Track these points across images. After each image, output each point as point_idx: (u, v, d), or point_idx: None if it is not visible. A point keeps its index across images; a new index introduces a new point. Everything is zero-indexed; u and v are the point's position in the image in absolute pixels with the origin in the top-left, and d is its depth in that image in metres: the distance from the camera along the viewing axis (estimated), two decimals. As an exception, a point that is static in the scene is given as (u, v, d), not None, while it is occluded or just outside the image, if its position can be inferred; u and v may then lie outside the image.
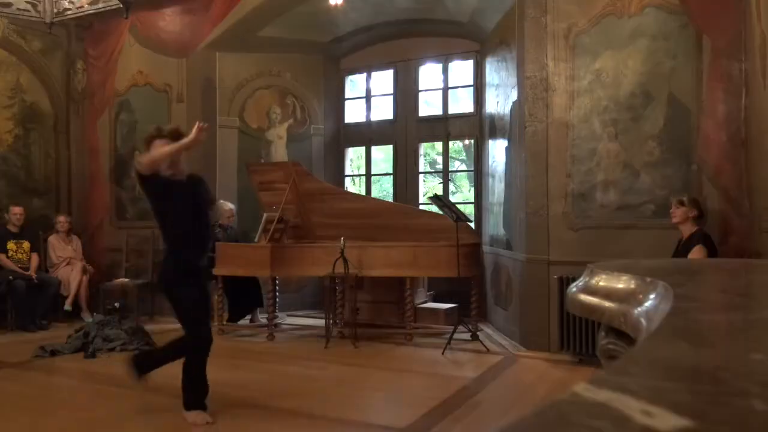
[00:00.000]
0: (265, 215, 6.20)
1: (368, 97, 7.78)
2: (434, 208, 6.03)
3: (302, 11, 6.63)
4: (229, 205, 6.54)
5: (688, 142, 4.53)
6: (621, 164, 4.73)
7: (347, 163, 7.97)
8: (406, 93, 7.41)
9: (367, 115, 7.73)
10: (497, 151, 6.16)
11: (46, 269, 6.85)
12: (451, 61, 7.20)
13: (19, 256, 6.60)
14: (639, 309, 0.88)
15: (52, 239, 6.94)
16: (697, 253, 3.88)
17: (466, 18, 6.46)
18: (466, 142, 7.99)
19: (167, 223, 3.41)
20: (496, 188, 6.17)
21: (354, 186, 8.53)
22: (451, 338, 5.16)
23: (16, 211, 6.67)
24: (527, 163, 5.09)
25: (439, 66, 7.29)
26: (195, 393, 3.48)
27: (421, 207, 7.16)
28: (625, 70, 4.72)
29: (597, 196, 4.82)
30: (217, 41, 6.94)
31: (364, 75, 7.74)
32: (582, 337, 4.69)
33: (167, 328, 6.38)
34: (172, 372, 4.53)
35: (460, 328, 5.26)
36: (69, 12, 7.14)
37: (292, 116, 7.38)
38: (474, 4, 6.11)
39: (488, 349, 5.14)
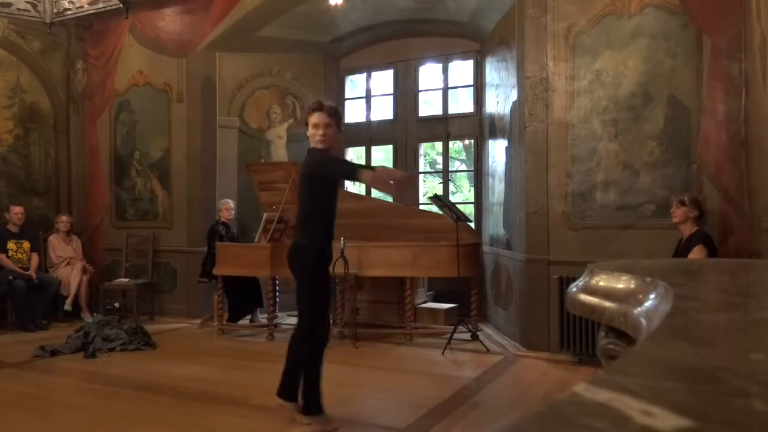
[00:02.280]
0: (265, 215, 6.20)
1: (368, 97, 7.78)
2: (434, 208, 6.03)
3: (302, 11, 6.63)
4: (229, 202, 6.58)
5: (688, 142, 4.53)
6: (621, 164, 4.73)
7: (347, 163, 7.96)
8: (406, 93, 7.41)
9: (367, 115, 7.73)
10: (497, 151, 6.16)
11: (46, 269, 6.85)
12: (451, 61, 7.20)
13: (19, 256, 6.61)
14: (639, 309, 0.88)
15: (52, 239, 6.94)
16: (697, 253, 3.88)
17: (466, 18, 6.46)
18: (466, 142, 7.99)
19: (321, 202, 3.29)
20: (496, 188, 6.18)
21: (354, 186, 8.53)
22: (451, 338, 5.16)
23: (17, 210, 6.67)
24: (527, 163, 5.09)
25: (439, 66, 7.29)
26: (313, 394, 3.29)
27: (421, 207, 7.16)
28: (625, 70, 4.72)
29: (597, 196, 4.82)
30: (217, 41, 6.94)
31: (364, 75, 7.74)
32: (582, 337, 4.69)
33: (167, 328, 6.39)
34: (171, 372, 4.54)
35: (460, 328, 5.26)
36: (69, 12, 7.14)
37: (292, 116, 7.38)
38: (474, 4, 6.11)
39: (488, 349, 5.14)
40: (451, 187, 8.69)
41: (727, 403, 0.39)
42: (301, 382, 3.31)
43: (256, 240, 6.26)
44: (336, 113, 3.28)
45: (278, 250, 5.75)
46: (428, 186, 8.61)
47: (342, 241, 5.18)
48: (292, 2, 6.55)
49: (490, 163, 6.50)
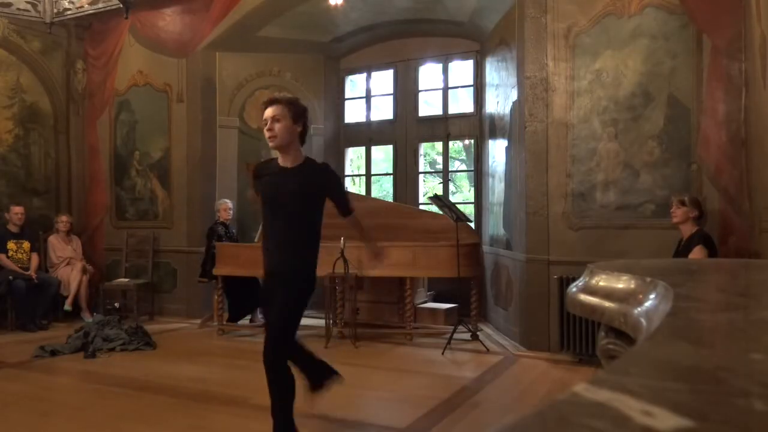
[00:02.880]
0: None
1: (368, 97, 7.78)
2: (434, 208, 6.03)
3: (302, 11, 6.63)
4: (227, 202, 6.58)
5: (688, 142, 4.53)
6: (621, 164, 4.73)
7: (347, 163, 7.97)
8: (406, 93, 7.41)
9: (367, 115, 7.73)
10: (497, 151, 6.16)
11: (46, 269, 6.85)
12: (451, 61, 7.20)
13: (19, 256, 6.61)
14: (639, 309, 0.88)
15: (52, 239, 6.94)
16: (697, 253, 3.88)
17: (466, 18, 6.46)
18: (466, 142, 7.99)
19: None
20: (496, 188, 6.18)
21: (354, 186, 8.54)
22: (451, 338, 5.16)
23: (17, 210, 6.67)
24: (527, 163, 5.09)
25: (439, 66, 7.29)
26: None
27: (421, 207, 7.16)
28: (625, 70, 4.72)
29: (597, 196, 4.82)
30: (217, 41, 6.94)
31: (364, 75, 7.75)
32: (582, 337, 4.69)
33: (167, 328, 6.39)
34: (171, 372, 4.54)
35: (460, 328, 5.26)
36: (69, 12, 7.14)
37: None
38: (474, 4, 6.11)
39: (488, 349, 5.14)
40: (451, 187, 8.69)
41: (727, 403, 0.39)
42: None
43: (255, 240, 6.27)
44: (292, 104, 2.83)
45: (278, 250, 5.75)
46: (428, 186, 8.62)
47: (342, 241, 5.18)
48: (292, 2, 6.55)
49: (490, 163, 6.50)
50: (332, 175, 3.01)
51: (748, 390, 0.41)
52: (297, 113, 2.82)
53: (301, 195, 2.87)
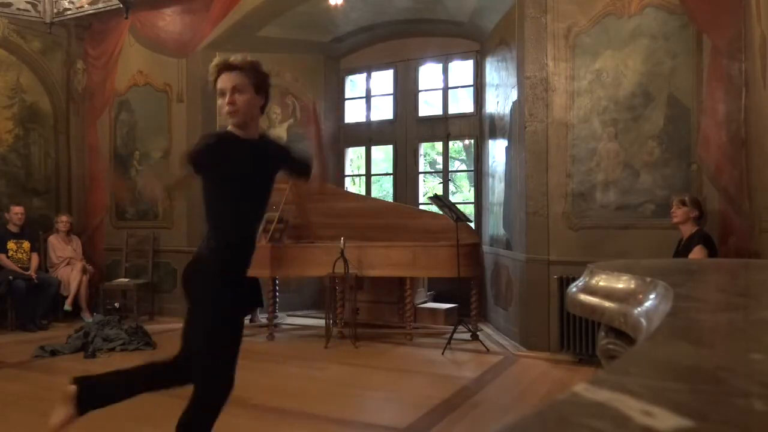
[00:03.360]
0: (265, 215, 6.20)
1: (368, 97, 7.78)
2: (434, 208, 6.03)
3: (302, 11, 6.63)
4: None
5: (688, 142, 4.53)
6: (621, 164, 4.73)
7: (347, 163, 7.97)
8: (406, 93, 7.41)
9: (367, 115, 7.73)
10: (497, 151, 6.16)
11: (46, 269, 6.85)
12: (451, 61, 7.20)
13: (19, 256, 6.61)
14: (639, 309, 0.88)
15: (52, 239, 6.94)
16: (697, 253, 3.88)
17: (466, 18, 6.46)
18: (466, 142, 7.99)
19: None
20: (496, 188, 6.18)
21: (354, 186, 8.53)
22: (451, 338, 5.16)
23: (17, 210, 6.67)
24: (527, 163, 5.09)
25: (439, 66, 7.29)
26: None
27: (421, 207, 7.16)
28: (625, 70, 4.72)
29: (597, 195, 4.82)
30: (217, 41, 6.94)
31: (364, 75, 7.74)
32: (582, 337, 4.69)
33: (167, 328, 6.39)
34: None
35: (460, 328, 5.26)
36: (69, 12, 7.14)
37: (292, 116, 7.38)
38: (474, 4, 6.11)
39: (488, 349, 5.14)
40: (451, 187, 8.69)
41: (727, 403, 0.39)
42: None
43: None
44: (253, 71, 2.41)
45: (278, 250, 5.75)
46: (428, 186, 8.61)
47: (342, 241, 5.18)
48: (292, 2, 6.55)
49: (490, 163, 6.50)
50: (288, 147, 2.70)
51: (748, 390, 0.41)
52: (259, 82, 2.41)
53: (270, 166, 2.53)
